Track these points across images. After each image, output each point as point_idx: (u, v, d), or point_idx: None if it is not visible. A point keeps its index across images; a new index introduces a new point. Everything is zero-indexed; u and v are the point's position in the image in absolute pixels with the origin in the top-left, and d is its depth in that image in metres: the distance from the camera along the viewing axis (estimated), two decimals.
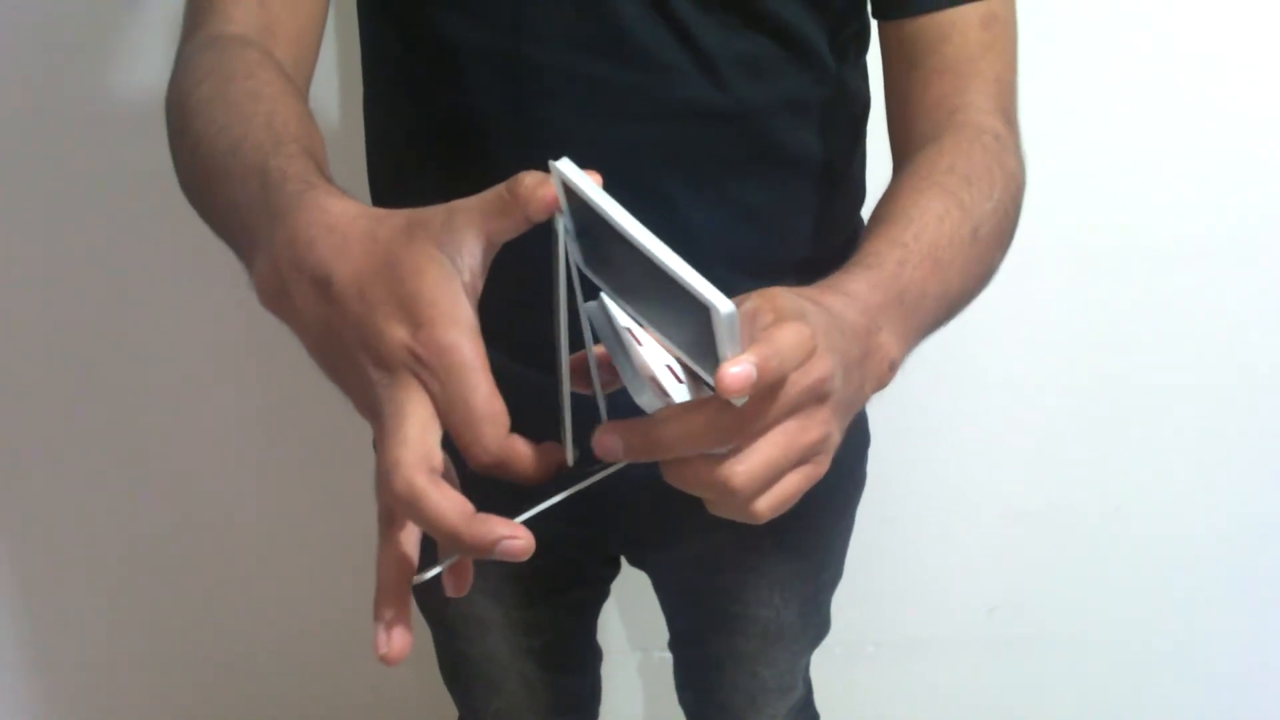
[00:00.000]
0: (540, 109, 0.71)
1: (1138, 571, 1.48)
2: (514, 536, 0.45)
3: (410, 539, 0.49)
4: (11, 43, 1.18)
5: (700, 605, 1.00)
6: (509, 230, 0.48)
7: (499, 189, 0.48)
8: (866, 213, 0.86)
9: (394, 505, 0.46)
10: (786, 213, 0.79)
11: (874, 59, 0.81)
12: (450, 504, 0.44)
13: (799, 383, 0.48)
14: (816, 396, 0.49)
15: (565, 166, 0.46)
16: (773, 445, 0.48)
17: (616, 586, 1.05)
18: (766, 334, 0.46)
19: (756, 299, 0.50)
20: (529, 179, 0.47)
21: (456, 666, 1.03)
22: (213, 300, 1.29)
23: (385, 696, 1.54)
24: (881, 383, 0.57)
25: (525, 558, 0.45)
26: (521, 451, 0.47)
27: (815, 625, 1.03)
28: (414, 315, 0.45)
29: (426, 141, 0.77)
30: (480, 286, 0.48)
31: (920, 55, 0.72)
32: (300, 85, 0.70)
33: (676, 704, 1.12)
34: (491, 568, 0.95)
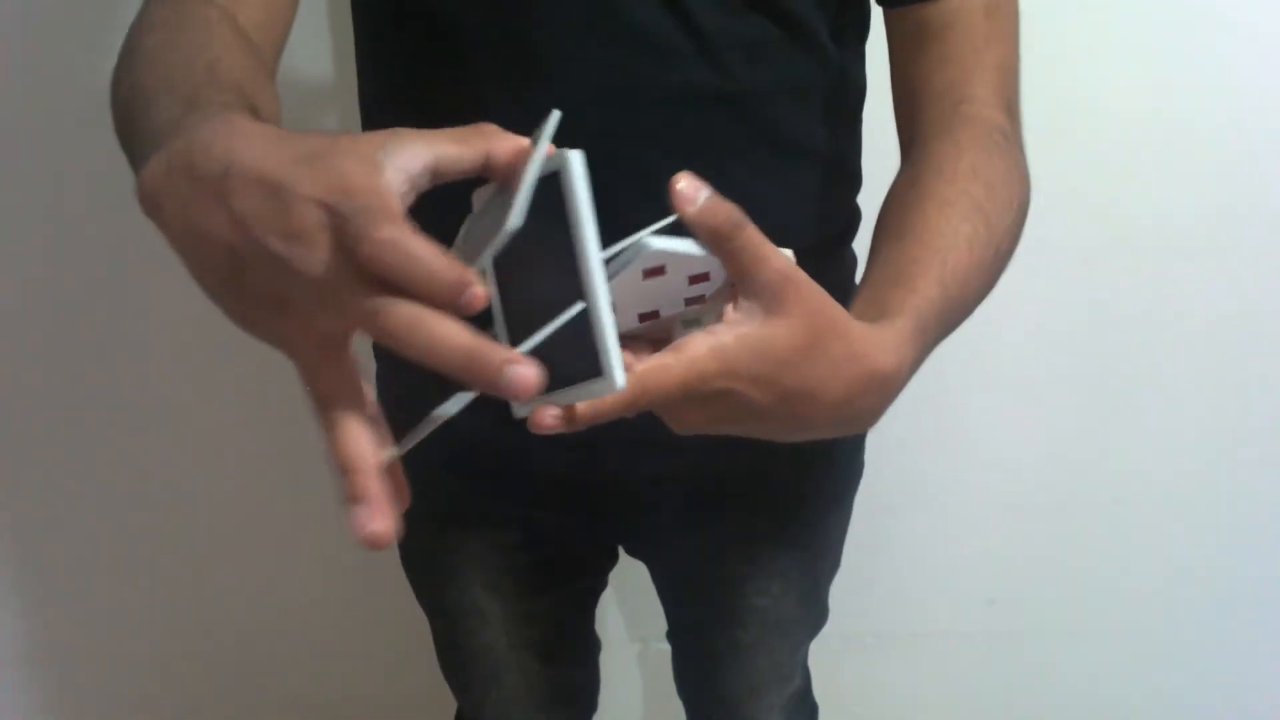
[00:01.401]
0: (539, 92, 0.70)
1: (1136, 563, 1.48)
2: (517, 361, 0.41)
3: (357, 417, 0.45)
4: (10, 35, 1.18)
5: (699, 596, 1.00)
6: (459, 159, 0.46)
7: (470, 125, 0.47)
8: (862, 200, 0.87)
9: (370, 260, 0.41)
10: (786, 199, 0.78)
11: (869, 46, 0.81)
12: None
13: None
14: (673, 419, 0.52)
15: (575, 162, 0.45)
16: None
17: (615, 577, 1.05)
18: (597, 404, 0.47)
19: (748, 332, 0.50)
20: (502, 132, 0.47)
21: (455, 658, 1.03)
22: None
23: (385, 689, 1.54)
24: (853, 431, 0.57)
25: (533, 392, 0.41)
26: (424, 244, 0.41)
27: (814, 615, 1.03)
28: (330, 183, 0.42)
29: (423, 125, 0.77)
30: (408, 196, 0.45)
31: (926, 43, 0.73)
32: (267, 51, 0.68)
33: (675, 694, 1.11)
34: (490, 559, 0.96)
